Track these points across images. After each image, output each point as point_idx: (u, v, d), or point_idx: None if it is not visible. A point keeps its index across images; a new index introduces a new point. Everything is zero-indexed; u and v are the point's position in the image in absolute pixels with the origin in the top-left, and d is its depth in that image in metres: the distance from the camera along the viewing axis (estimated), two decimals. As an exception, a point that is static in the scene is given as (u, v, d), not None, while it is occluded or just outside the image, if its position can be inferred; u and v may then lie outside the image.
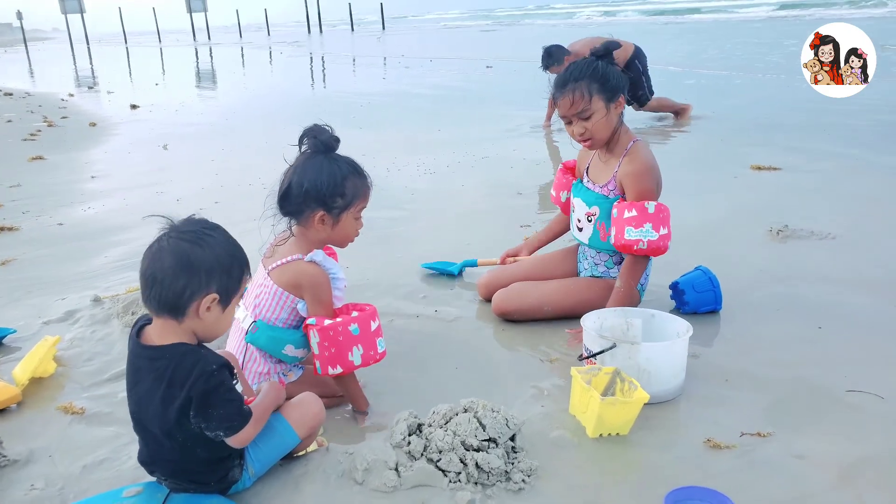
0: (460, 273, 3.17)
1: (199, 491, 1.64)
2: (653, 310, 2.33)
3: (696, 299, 2.64)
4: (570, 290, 2.63)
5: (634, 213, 2.41)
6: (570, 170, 2.86)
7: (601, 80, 2.42)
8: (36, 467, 1.84)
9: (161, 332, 1.54)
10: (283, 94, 12.24)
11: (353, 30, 47.58)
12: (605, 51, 2.48)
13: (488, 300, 2.80)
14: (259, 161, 6.00)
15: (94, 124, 8.61)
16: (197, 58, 25.94)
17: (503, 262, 2.96)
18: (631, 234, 2.40)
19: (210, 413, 1.50)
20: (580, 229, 2.68)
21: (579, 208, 2.67)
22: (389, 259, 3.43)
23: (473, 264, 3.15)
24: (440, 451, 1.72)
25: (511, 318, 2.67)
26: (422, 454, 1.74)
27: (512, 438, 1.81)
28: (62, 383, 2.30)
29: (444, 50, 22.64)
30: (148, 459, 1.64)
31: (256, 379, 2.05)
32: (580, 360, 2.21)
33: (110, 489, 1.71)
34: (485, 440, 1.75)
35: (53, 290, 3.11)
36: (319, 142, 2.00)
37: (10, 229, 4.11)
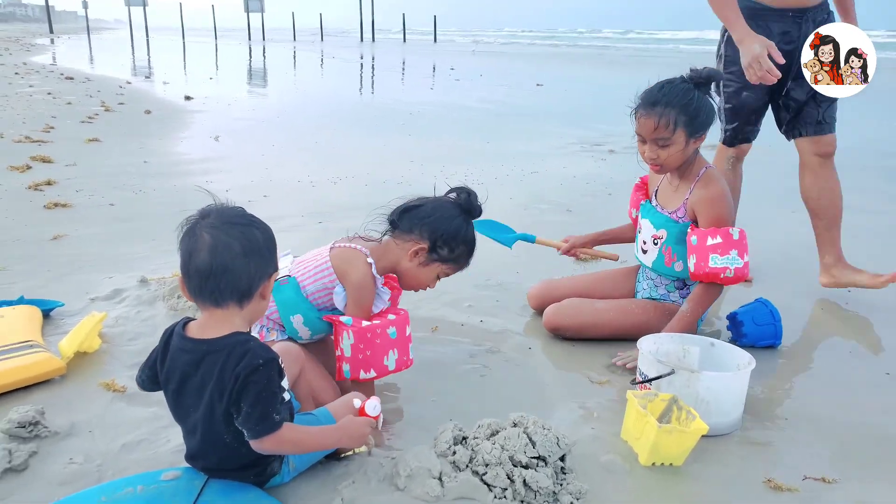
0: (512, 246, 2.87)
1: (238, 480, 1.60)
2: (712, 338, 2.23)
3: (756, 332, 2.53)
4: (627, 311, 2.54)
5: (720, 239, 2.31)
6: (644, 186, 2.76)
7: (692, 113, 2.30)
8: (76, 441, 1.82)
9: (213, 325, 1.49)
10: (332, 99, 12.37)
11: (405, 40, 48.06)
12: (706, 79, 2.35)
13: (539, 311, 2.73)
14: (308, 160, 6.04)
15: (148, 112, 8.78)
16: (251, 56, 26.45)
17: (563, 251, 2.81)
18: (717, 261, 2.30)
19: (240, 407, 1.46)
20: (644, 251, 2.59)
21: (646, 230, 2.58)
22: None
23: (532, 239, 2.83)
24: (486, 465, 1.65)
25: (563, 335, 2.59)
26: (467, 465, 1.67)
27: (562, 459, 1.73)
28: (105, 360, 2.28)
29: (494, 65, 22.70)
30: (193, 453, 1.60)
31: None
32: (633, 385, 2.12)
33: (148, 470, 1.68)
34: (534, 457, 1.68)
35: (102, 268, 3.13)
36: (468, 201, 2.08)
37: (63, 205, 4.17)
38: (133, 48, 29.52)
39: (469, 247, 2.10)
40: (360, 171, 5.53)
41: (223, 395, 1.46)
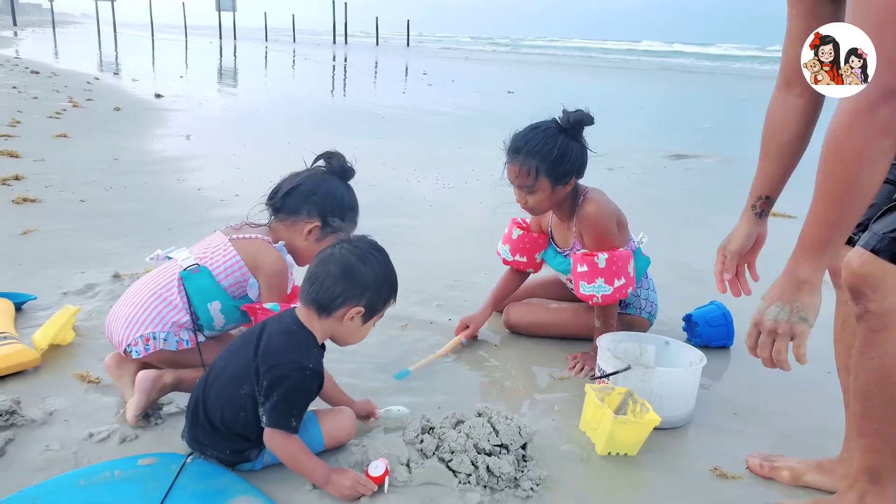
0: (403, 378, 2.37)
1: (212, 455, 1.69)
2: (668, 338, 2.35)
3: (709, 333, 2.67)
4: (580, 314, 2.65)
5: (585, 268, 2.37)
6: (526, 226, 2.72)
7: (554, 162, 2.27)
8: (52, 429, 1.86)
9: (301, 317, 1.71)
10: (304, 100, 12.37)
11: (377, 43, 48.04)
12: (574, 124, 2.31)
13: (500, 311, 2.84)
14: (279, 160, 6.06)
15: (118, 109, 8.70)
16: (221, 55, 26.23)
17: (468, 337, 2.61)
18: (585, 289, 2.38)
19: (272, 394, 1.59)
20: (571, 288, 2.62)
21: (560, 274, 2.68)
22: (406, 264, 3.44)
23: (405, 374, 2.34)
24: (452, 452, 1.74)
25: (520, 332, 2.71)
26: (433, 453, 1.76)
27: (523, 447, 1.83)
28: (79, 352, 2.32)
29: (466, 71, 22.86)
30: (191, 407, 1.72)
31: (167, 327, 1.93)
32: (593, 380, 2.24)
33: (124, 457, 1.73)
34: (497, 445, 1.78)
35: (74, 263, 3.14)
36: (338, 165, 2.12)
37: (33, 200, 4.15)
38: (100, 44, 29.03)
39: (355, 210, 2.13)
40: (332, 173, 5.57)
41: (265, 370, 1.60)
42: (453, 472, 1.72)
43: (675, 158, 7.21)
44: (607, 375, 2.12)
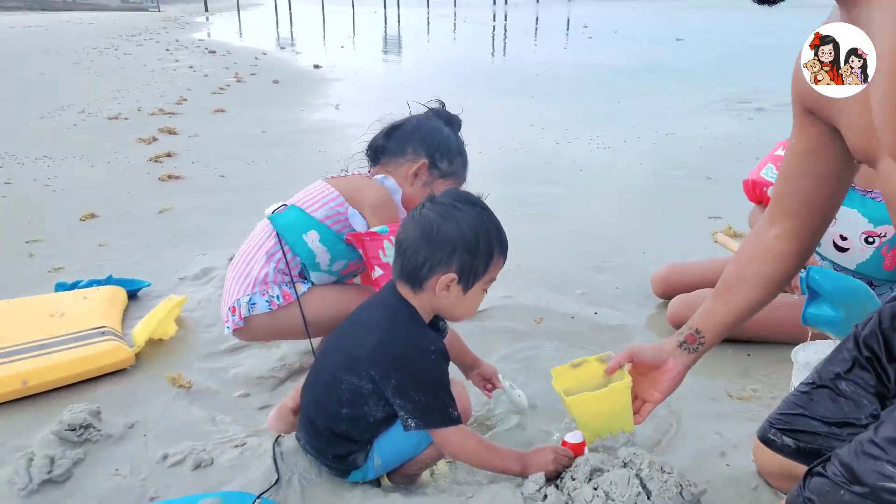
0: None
1: (316, 456, 1.50)
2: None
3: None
4: (776, 308, 1.98)
5: None
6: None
7: None
8: (127, 446, 1.65)
9: (405, 295, 1.44)
10: (460, 63, 12.04)
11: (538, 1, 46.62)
12: None
13: (665, 299, 2.30)
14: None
15: (276, 81, 8.89)
16: (386, 24, 26.67)
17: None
18: None
19: (409, 393, 1.36)
20: (843, 249, 1.98)
21: (851, 223, 1.95)
22: (544, 241, 2.99)
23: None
24: (584, 518, 1.29)
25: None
26: (560, 516, 1.32)
27: (685, 513, 1.33)
28: (179, 349, 2.14)
29: (630, 20, 21.36)
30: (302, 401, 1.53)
31: (250, 288, 1.71)
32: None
33: (194, 489, 1.48)
34: (647, 512, 1.29)
35: (198, 244, 3.03)
36: (444, 111, 1.90)
37: (177, 178, 4.17)
38: (277, 21, 30.72)
39: (464, 157, 1.89)
40: (474, 138, 5.17)
41: (386, 366, 1.37)
42: (585, 547, 1.27)
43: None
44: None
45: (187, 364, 2.04)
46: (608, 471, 1.36)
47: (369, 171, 1.89)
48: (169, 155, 4.74)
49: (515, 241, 2.84)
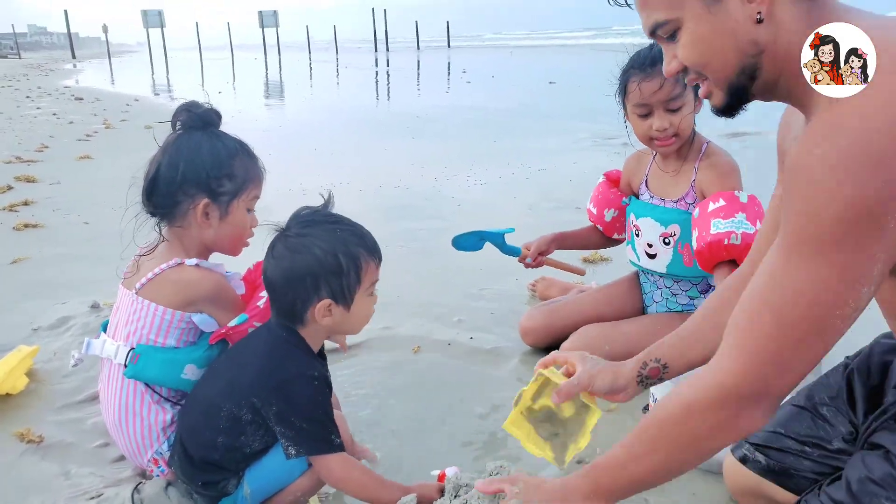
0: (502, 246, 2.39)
1: (186, 482, 1.46)
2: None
3: None
4: (655, 332, 1.75)
5: (722, 202, 1.91)
6: (615, 182, 2.37)
7: None
8: (-37, 510, 1.51)
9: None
10: (340, 107, 12.13)
11: (419, 48, 47.93)
12: None
13: (538, 349, 2.28)
14: (302, 167, 5.75)
15: (149, 127, 8.57)
16: (267, 69, 26.43)
17: (527, 262, 2.33)
18: (719, 226, 1.86)
19: (291, 420, 1.33)
20: (652, 255, 2.15)
21: (649, 230, 2.13)
22: (425, 273, 3.04)
23: (516, 253, 2.37)
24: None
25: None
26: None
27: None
28: (29, 402, 1.98)
29: (506, 67, 22.39)
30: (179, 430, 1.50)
31: (161, 437, 1.53)
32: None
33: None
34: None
35: (56, 294, 2.84)
36: (195, 115, 1.56)
37: (34, 226, 3.91)
38: (152, 68, 29.70)
39: (243, 156, 1.58)
40: (356, 178, 5.21)
41: (269, 392, 1.35)
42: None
43: (731, 137, 6.57)
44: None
45: (39, 417, 1.90)
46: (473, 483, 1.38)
47: (164, 239, 1.60)
48: (26, 203, 4.44)
49: (396, 275, 2.88)
